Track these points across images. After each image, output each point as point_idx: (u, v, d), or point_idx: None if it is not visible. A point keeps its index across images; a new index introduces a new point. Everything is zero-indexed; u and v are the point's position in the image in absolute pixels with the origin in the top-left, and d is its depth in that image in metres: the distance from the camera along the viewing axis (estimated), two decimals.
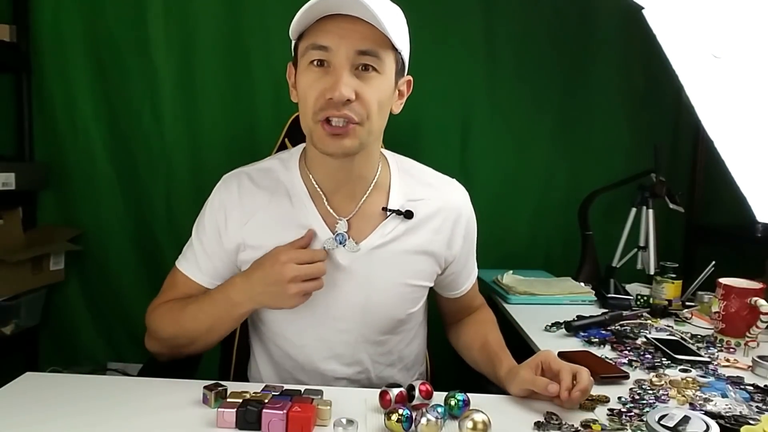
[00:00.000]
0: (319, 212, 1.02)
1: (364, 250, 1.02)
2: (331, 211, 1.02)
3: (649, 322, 1.44)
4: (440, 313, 1.28)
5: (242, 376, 1.26)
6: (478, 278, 1.26)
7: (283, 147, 1.52)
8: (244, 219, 1.03)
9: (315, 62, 0.91)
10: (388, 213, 1.04)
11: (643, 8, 0.97)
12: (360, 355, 1.08)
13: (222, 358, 1.40)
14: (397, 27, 0.92)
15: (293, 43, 0.97)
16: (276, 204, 1.03)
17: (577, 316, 1.41)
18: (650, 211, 1.73)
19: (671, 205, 1.75)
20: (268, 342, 1.11)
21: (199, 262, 1.06)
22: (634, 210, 1.76)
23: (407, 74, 1.02)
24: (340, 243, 1.01)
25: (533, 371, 0.95)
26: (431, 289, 1.20)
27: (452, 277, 1.16)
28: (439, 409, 0.82)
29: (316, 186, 1.03)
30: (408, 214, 1.04)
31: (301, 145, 1.09)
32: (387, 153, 1.11)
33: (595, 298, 1.65)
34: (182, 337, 1.02)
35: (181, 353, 1.06)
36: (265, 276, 0.95)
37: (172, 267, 1.10)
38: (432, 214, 1.07)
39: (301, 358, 1.08)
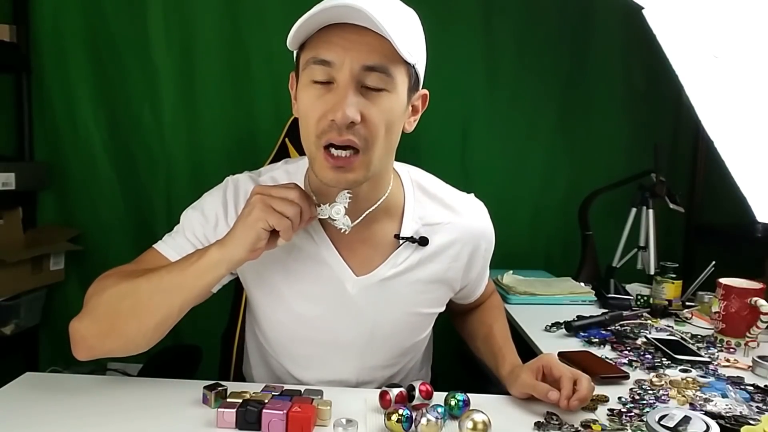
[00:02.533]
0: (328, 236, 0.95)
1: (374, 280, 0.96)
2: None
3: (649, 322, 1.44)
4: (447, 309, 1.25)
5: (242, 377, 1.26)
6: None
7: (283, 147, 1.52)
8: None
9: (317, 80, 0.82)
10: (401, 241, 0.96)
11: (643, 8, 0.97)
12: (365, 378, 1.04)
13: (222, 358, 1.40)
14: (410, 37, 0.83)
15: (295, 52, 0.89)
16: None
17: (577, 316, 1.41)
18: (650, 211, 1.73)
19: (671, 205, 1.75)
20: (270, 359, 1.07)
21: (177, 239, 0.96)
22: (634, 210, 1.76)
23: (422, 87, 0.92)
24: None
25: (534, 375, 0.94)
26: None
27: (466, 292, 1.12)
28: (439, 409, 0.82)
29: None
30: (423, 242, 0.96)
31: (307, 159, 0.99)
32: (400, 168, 1.02)
33: (595, 298, 1.64)
34: (130, 298, 0.87)
35: (112, 333, 0.89)
36: (242, 213, 0.85)
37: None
38: (451, 242, 0.99)
39: (304, 379, 1.03)
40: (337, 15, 0.78)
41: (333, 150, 0.82)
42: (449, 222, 1.00)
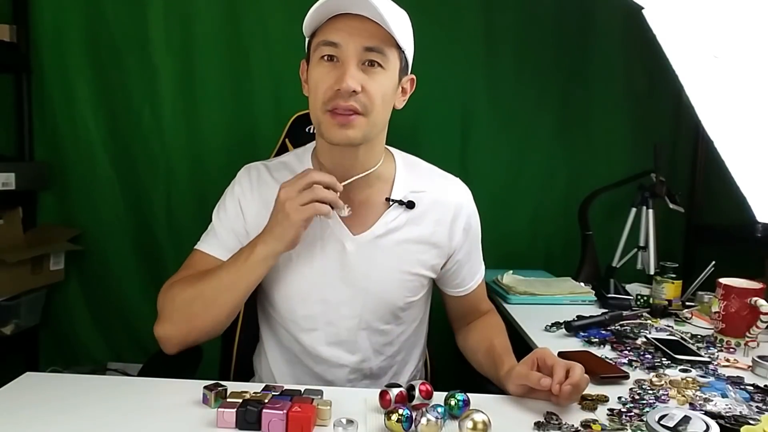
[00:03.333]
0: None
1: (368, 238, 1.08)
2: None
3: (649, 322, 1.44)
4: (448, 318, 1.28)
5: (244, 374, 1.26)
6: None
7: (283, 147, 1.52)
8: (259, 208, 1.08)
9: (325, 57, 0.97)
10: (391, 203, 1.09)
11: (643, 8, 0.97)
12: (363, 343, 1.12)
13: (222, 358, 1.40)
14: (402, 27, 0.98)
15: (306, 40, 1.03)
16: None
17: (577, 316, 1.41)
18: (650, 211, 1.73)
19: (671, 205, 1.75)
20: (278, 327, 1.15)
21: (219, 238, 1.09)
22: (634, 210, 1.76)
23: (410, 73, 1.07)
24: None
25: (528, 367, 0.96)
26: (437, 290, 1.21)
27: (455, 269, 1.17)
28: (439, 409, 0.82)
29: None
30: (410, 204, 1.09)
31: (314, 142, 1.14)
32: (394, 150, 1.16)
33: (595, 298, 1.64)
34: (199, 300, 1.02)
35: (193, 330, 1.05)
36: (273, 215, 0.99)
37: (185, 258, 1.13)
38: (433, 206, 1.12)
39: (308, 343, 1.12)
40: (346, 3, 0.93)
41: (338, 109, 0.96)
42: (433, 190, 1.13)
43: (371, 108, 0.97)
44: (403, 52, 1.01)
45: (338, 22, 0.95)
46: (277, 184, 1.05)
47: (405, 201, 1.09)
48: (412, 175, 1.13)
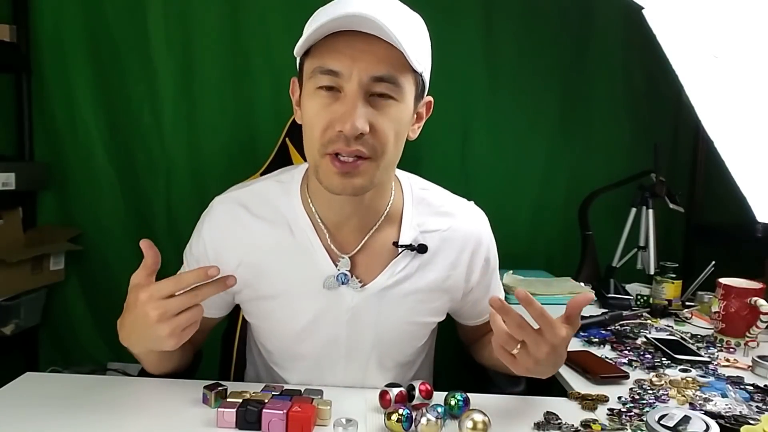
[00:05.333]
0: (324, 246, 0.93)
1: (373, 290, 0.95)
2: (334, 248, 0.94)
3: (649, 322, 1.44)
4: (460, 336, 1.22)
5: (244, 374, 1.26)
6: None
7: (283, 147, 1.52)
8: (238, 258, 0.94)
9: (323, 88, 0.81)
10: (400, 249, 0.94)
11: (643, 8, 0.97)
12: (371, 379, 1.01)
13: (222, 358, 1.40)
14: (418, 44, 0.82)
15: (298, 59, 0.87)
16: (276, 237, 0.94)
17: None
18: (650, 211, 1.73)
19: (671, 205, 1.75)
20: (274, 366, 1.05)
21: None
22: (634, 210, 1.76)
23: (427, 94, 0.92)
24: (343, 283, 0.93)
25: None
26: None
27: (471, 305, 1.06)
28: (439, 409, 0.82)
29: (319, 220, 0.94)
30: (422, 249, 0.95)
31: (302, 168, 0.98)
32: (401, 175, 1.01)
33: (595, 298, 1.65)
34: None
35: None
36: (134, 321, 0.81)
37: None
38: (448, 245, 0.98)
39: (311, 382, 1.01)
40: (346, 23, 0.76)
41: (340, 156, 0.81)
42: (447, 228, 0.98)
43: (381, 150, 0.81)
44: (420, 74, 0.84)
45: (338, 43, 0.78)
46: (257, 223, 0.94)
47: (415, 245, 0.94)
48: (422, 210, 0.98)
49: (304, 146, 0.87)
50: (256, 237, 0.94)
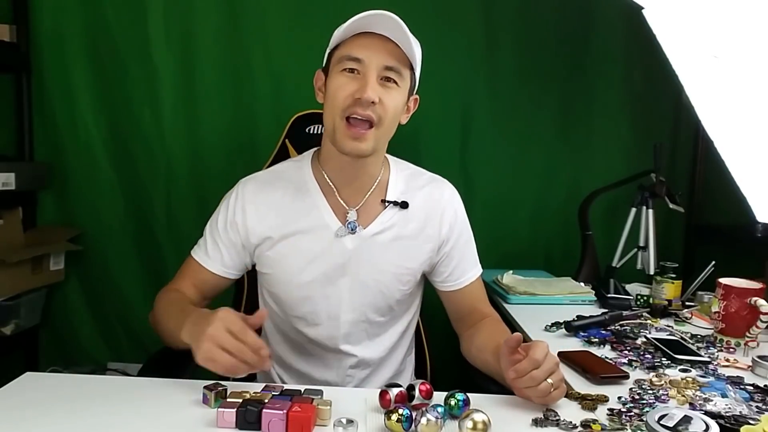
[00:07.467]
0: (329, 203, 1.16)
1: (367, 235, 1.16)
2: (342, 202, 1.16)
3: (649, 322, 1.44)
4: (451, 321, 1.29)
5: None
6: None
7: (283, 148, 1.52)
8: (260, 216, 1.15)
9: (347, 70, 1.06)
10: (387, 204, 1.18)
11: (643, 8, 0.97)
12: (361, 335, 1.21)
13: None
14: (416, 51, 1.09)
15: (327, 52, 1.12)
16: (289, 198, 1.16)
17: (577, 316, 1.42)
18: (650, 211, 1.73)
19: (671, 205, 1.75)
20: (283, 324, 1.22)
21: (208, 250, 1.17)
22: (634, 210, 1.76)
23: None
24: (352, 230, 1.14)
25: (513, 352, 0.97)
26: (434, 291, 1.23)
27: (443, 260, 1.23)
28: (439, 409, 0.82)
29: (328, 180, 1.16)
30: (404, 204, 1.18)
31: (314, 149, 1.23)
32: (390, 158, 1.25)
33: (595, 298, 1.65)
34: (160, 325, 1.10)
35: (165, 339, 1.11)
36: (202, 318, 0.94)
37: (185, 258, 1.20)
38: (424, 203, 1.21)
39: (313, 335, 1.19)
40: (374, 22, 1.03)
41: (352, 120, 1.05)
42: (421, 189, 1.22)
43: (384, 120, 1.07)
44: (414, 73, 1.12)
45: (363, 39, 1.05)
46: (273, 190, 1.17)
47: (399, 202, 1.18)
48: (405, 178, 1.23)
49: (323, 115, 1.10)
50: (275, 198, 1.16)
